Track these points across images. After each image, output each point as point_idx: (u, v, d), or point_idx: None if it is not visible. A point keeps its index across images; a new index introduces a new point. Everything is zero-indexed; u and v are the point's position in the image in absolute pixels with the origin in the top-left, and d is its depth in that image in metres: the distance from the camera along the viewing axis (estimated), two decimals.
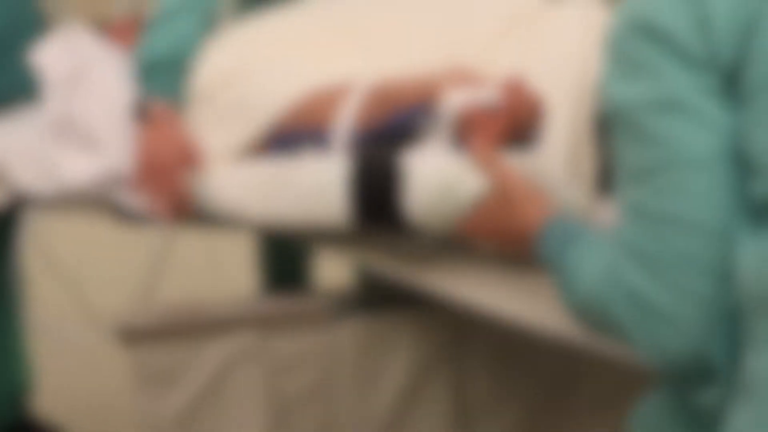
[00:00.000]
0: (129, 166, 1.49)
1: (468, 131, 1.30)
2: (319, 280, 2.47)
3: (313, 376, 1.58)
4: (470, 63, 1.47)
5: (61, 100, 1.58)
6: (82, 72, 1.60)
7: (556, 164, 1.28)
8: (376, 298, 1.61)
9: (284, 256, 2.36)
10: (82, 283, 2.13)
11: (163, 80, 1.57)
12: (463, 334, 1.58)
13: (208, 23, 1.64)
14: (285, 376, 1.57)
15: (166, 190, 1.47)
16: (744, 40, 0.95)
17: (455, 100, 1.32)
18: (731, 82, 0.96)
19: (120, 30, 1.74)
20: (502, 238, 1.25)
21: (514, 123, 1.30)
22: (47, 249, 1.61)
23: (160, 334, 1.56)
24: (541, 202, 1.22)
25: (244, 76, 1.54)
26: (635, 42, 1.00)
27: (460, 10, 1.57)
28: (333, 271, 2.45)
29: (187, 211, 1.48)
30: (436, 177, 1.29)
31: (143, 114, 1.54)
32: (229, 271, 2.72)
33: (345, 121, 1.40)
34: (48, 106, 1.59)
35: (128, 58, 1.64)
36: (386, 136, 1.37)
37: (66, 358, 2.41)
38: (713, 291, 0.96)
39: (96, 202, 1.55)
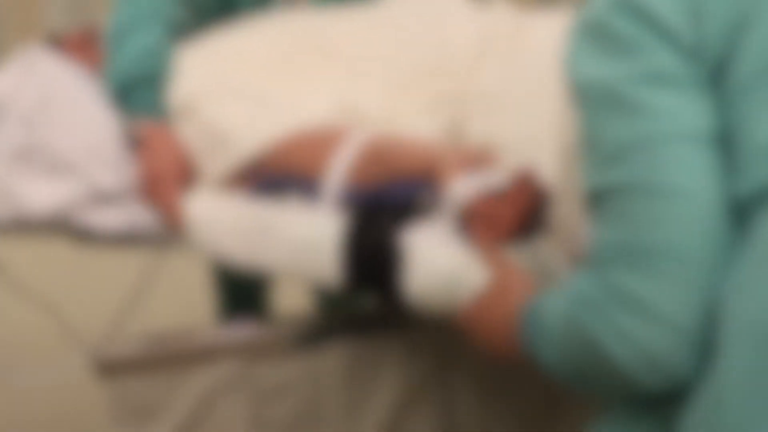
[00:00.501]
0: (111, 185, 1.44)
1: (475, 221, 1.26)
2: (276, 304, 2.42)
3: (299, 403, 1.54)
4: (451, 82, 1.45)
5: (25, 126, 1.51)
6: (47, 96, 1.53)
7: (561, 252, 1.27)
8: (360, 322, 1.57)
9: (243, 279, 2.31)
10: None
11: (142, 98, 1.52)
12: (451, 358, 1.56)
13: (172, 33, 1.60)
14: (271, 404, 1.53)
15: (171, 204, 1.43)
16: (734, 34, 0.94)
17: (464, 189, 1.27)
18: (717, 76, 0.95)
19: (74, 45, 1.68)
20: (496, 333, 1.21)
21: (522, 216, 1.26)
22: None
23: (139, 365, 1.50)
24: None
25: (221, 95, 1.50)
26: (623, 21, 0.98)
27: (435, 27, 1.54)
28: (290, 294, 2.44)
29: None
30: (439, 265, 1.25)
31: (135, 138, 1.49)
32: (181, 296, 2.66)
33: (338, 173, 1.36)
34: (9, 133, 1.51)
35: (92, 76, 1.58)
36: (382, 202, 1.33)
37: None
38: (708, 275, 0.94)
39: (56, 225, 1.48)
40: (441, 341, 1.52)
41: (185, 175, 1.46)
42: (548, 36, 1.43)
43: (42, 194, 1.46)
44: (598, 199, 1.02)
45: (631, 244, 0.96)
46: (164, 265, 1.60)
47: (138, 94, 1.52)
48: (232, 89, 1.50)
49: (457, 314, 1.24)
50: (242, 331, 1.55)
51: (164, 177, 1.45)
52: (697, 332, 0.93)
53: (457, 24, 1.54)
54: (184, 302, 2.67)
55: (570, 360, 1.05)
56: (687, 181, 0.94)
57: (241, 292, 2.33)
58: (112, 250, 1.53)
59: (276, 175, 1.41)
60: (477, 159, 1.33)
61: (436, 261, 1.25)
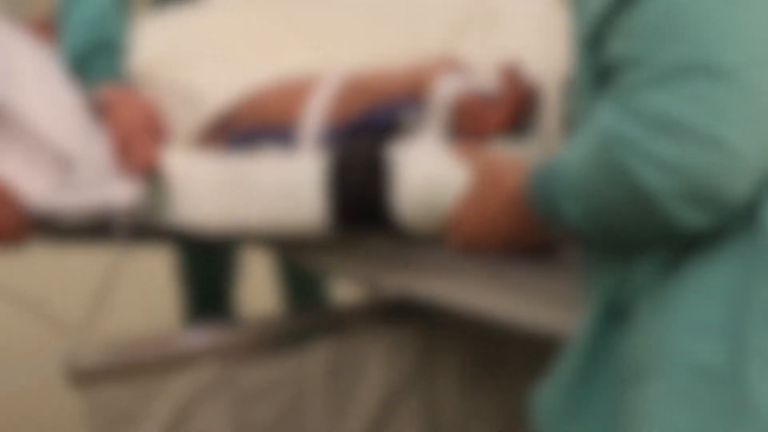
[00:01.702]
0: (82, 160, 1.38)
1: (464, 121, 1.21)
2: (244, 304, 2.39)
3: (281, 405, 1.51)
4: (431, 54, 1.39)
5: None
6: (14, 66, 1.45)
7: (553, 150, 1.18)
8: (344, 320, 1.55)
9: (208, 279, 2.27)
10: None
11: (99, 65, 1.47)
12: (433, 355, 1.55)
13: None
14: (252, 406, 1.50)
15: (149, 156, 1.36)
16: None
17: (449, 88, 1.21)
18: None
19: (39, 28, 1.62)
20: (494, 223, 1.11)
21: (513, 111, 1.22)
22: None
23: (115, 373, 1.46)
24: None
25: (186, 60, 1.45)
26: None
27: (410, 7, 1.49)
28: (256, 293, 2.40)
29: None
30: (427, 173, 1.17)
31: (100, 104, 1.43)
32: (146, 297, 2.61)
33: (314, 115, 1.28)
34: None
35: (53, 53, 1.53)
36: (366, 131, 1.25)
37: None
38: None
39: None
40: (423, 338, 1.50)
41: (159, 130, 1.40)
42: (527, 9, 1.41)
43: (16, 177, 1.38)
44: (621, 7, 0.90)
45: (657, 59, 0.87)
46: (128, 265, 1.53)
47: (94, 61, 1.47)
48: (197, 54, 1.46)
49: (447, 219, 1.15)
50: (218, 334, 1.52)
51: (137, 131, 1.38)
52: (744, 152, 0.85)
53: (433, 5, 1.48)
54: (148, 304, 2.62)
55: (600, 207, 0.94)
56: None
57: (207, 291, 2.28)
58: (78, 248, 1.48)
59: (249, 128, 1.35)
60: (458, 65, 1.28)
61: (424, 170, 1.18)
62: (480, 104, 1.21)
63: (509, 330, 1.23)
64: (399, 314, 1.55)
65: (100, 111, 1.43)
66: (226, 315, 2.27)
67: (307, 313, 1.60)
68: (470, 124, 1.21)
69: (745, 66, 0.84)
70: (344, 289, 2.21)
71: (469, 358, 1.45)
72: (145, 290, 2.61)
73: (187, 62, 1.44)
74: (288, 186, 1.25)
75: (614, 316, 0.98)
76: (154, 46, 1.48)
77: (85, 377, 1.45)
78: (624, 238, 0.96)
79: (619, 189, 0.90)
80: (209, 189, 1.31)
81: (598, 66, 0.95)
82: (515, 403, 1.58)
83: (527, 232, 1.08)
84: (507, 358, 1.56)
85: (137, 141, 1.37)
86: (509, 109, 1.22)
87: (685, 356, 0.88)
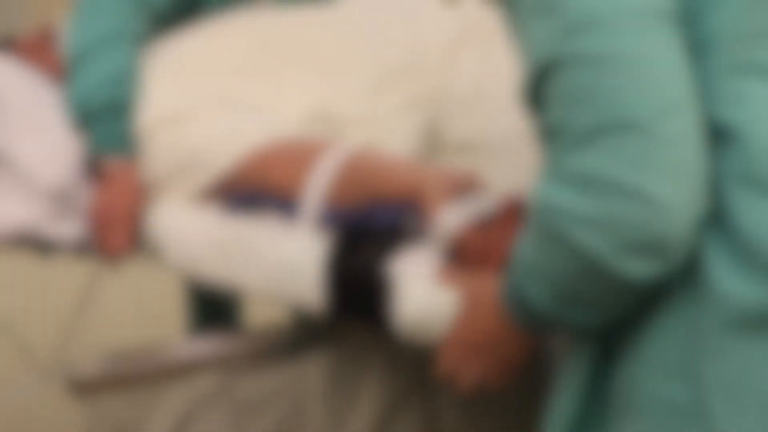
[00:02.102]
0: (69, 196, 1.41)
1: (465, 252, 1.19)
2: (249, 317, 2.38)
3: (282, 415, 1.51)
4: (426, 81, 1.41)
5: None
6: (4, 102, 1.47)
7: None
8: (338, 330, 1.55)
9: (212, 294, 2.26)
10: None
11: (107, 128, 1.44)
12: (433, 363, 1.54)
13: (137, 50, 1.53)
14: (252, 417, 1.50)
15: (111, 248, 1.41)
16: None
17: (453, 218, 1.19)
18: None
19: (29, 48, 1.59)
20: (485, 347, 1.11)
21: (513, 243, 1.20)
22: None
23: (116, 383, 1.46)
24: None
25: (189, 114, 1.42)
26: None
27: (406, 25, 1.49)
28: (262, 303, 2.39)
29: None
30: (426, 297, 1.17)
31: (97, 170, 1.44)
32: (152, 308, 2.61)
33: (316, 192, 1.28)
34: None
35: (50, 81, 1.51)
36: (364, 225, 1.26)
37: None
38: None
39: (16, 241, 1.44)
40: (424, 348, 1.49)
41: (134, 219, 1.42)
42: None
43: (6, 210, 1.42)
44: (545, 78, 0.92)
45: (575, 123, 0.88)
46: (123, 276, 1.54)
47: (103, 123, 1.44)
48: (201, 100, 1.43)
49: (440, 346, 1.16)
50: (218, 343, 1.52)
51: (114, 220, 1.41)
52: (668, 200, 0.85)
53: (429, 22, 1.50)
54: (153, 312, 2.62)
55: (558, 282, 0.93)
56: (646, 48, 0.88)
57: (213, 301, 2.28)
58: (68, 262, 1.49)
59: (250, 191, 1.35)
60: (462, 183, 1.25)
61: (424, 293, 1.18)
62: (482, 239, 1.19)
63: None
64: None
65: (96, 175, 1.44)
66: (232, 324, 2.25)
67: (307, 322, 1.59)
68: (470, 252, 1.19)
69: (656, 117, 0.86)
70: None
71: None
72: (149, 298, 2.61)
73: (190, 112, 1.41)
74: (287, 262, 1.26)
75: (604, 353, 0.98)
76: (159, 92, 1.46)
77: (86, 387, 1.45)
78: (598, 317, 0.95)
79: (563, 257, 0.91)
80: (206, 244, 1.33)
81: (541, 127, 0.96)
82: (515, 414, 1.58)
83: (514, 358, 1.09)
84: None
85: (111, 230, 1.41)
86: (511, 243, 1.16)
87: (656, 395, 0.90)
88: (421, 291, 1.18)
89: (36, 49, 1.58)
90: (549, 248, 0.92)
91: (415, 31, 1.47)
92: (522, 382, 1.19)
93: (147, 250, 1.42)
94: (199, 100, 1.43)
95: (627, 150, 0.85)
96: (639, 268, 0.87)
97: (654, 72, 0.87)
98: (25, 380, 2.05)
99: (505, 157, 1.36)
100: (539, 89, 0.93)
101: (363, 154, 1.32)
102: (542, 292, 0.95)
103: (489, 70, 1.39)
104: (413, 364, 1.53)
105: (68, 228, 1.43)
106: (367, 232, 1.25)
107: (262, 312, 2.31)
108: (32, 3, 4.65)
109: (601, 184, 0.86)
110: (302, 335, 1.53)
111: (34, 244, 1.43)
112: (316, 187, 1.28)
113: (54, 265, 1.52)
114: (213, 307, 2.25)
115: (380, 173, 1.29)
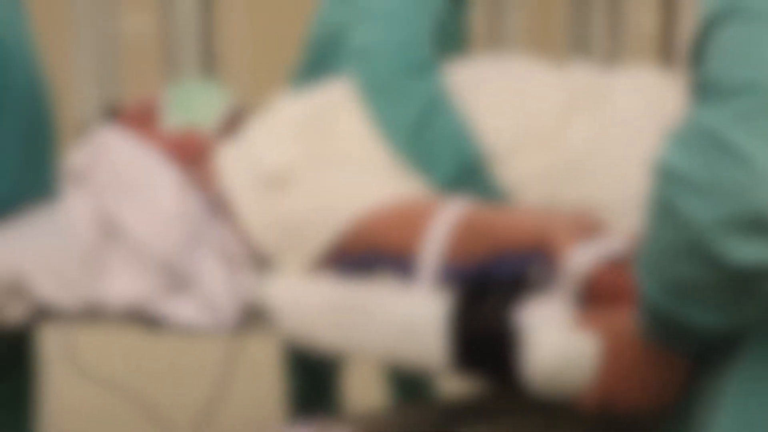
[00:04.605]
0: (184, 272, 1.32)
1: (597, 293, 1.14)
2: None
3: None
4: (541, 134, 1.38)
5: (100, 208, 1.40)
6: (121, 178, 1.44)
7: None
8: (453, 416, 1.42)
9: (314, 370, 2.17)
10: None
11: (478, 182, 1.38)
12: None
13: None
14: None
15: None
16: None
17: (583, 260, 1.15)
18: None
19: (133, 117, 1.58)
20: (638, 383, 1.07)
21: None
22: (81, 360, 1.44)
23: None
24: None
25: (296, 174, 1.38)
26: None
27: (518, 93, 1.44)
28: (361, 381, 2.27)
29: None
30: (560, 346, 1.12)
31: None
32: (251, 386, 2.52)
33: (433, 249, 1.24)
34: (84, 214, 1.40)
35: (157, 153, 1.47)
36: (487, 278, 1.21)
37: None
38: None
39: (131, 315, 1.37)
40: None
41: None
42: (634, 93, 1.39)
43: (119, 285, 1.37)
44: (709, 31, 0.89)
45: (725, 75, 0.85)
46: (240, 352, 1.47)
47: (474, 179, 1.37)
48: (306, 159, 1.40)
49: (584, 395, 1.11)
50: (323, 429, 1.41)
51: None
52: None
53: (540, 89, 1.44)
54: (253, 392, 2.54)
55: (666, 270, 0.89)
56: None
57: (313, 382, 2.19)
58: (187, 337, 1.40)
59: (364, 253, 1.31)
60: (587, 226, 1.23)
61: (560, 339, 1.13)
62: (613, 278, 1.15)
63: None
64: (510, 409, 1.45)
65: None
66: (332, 407, 2.20)
67: (415, 407, 1.47)
68: (602, 293, 1.15)
69: None
70: (453, 383, 2.11)
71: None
72: (250, 378, 2.53)
73: (296, 178, 1.38)
74: (407, 321, 1.22)
75: None
76: (261, 156, 1.43)
77: None
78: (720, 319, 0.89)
79: (669, 230, 0.86)
80: (322, 310, 1.29)
81: (694, 87, 0.92)
82: None
83: (667, 383, 1.05)
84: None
85: None
86: None
87: None
88: (557, 337, 1.13)
89: (140, 120, 1.57)
90: (658, 221, 0.88)
91: (527, 100, 1.43)
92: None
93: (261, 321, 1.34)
94: (305, 159, 1.40)
95: (751, 113, 0.81)
96: (742, 249, 0.81)
97: None
98: None
99: (620, 221, 1.31)
100: (703, 43, 0.89)
101: (479, 207, 1.29)
102: (652, 282, 0.92)
103: (602, 135, 1.36)
104: None
105: (184, 306, 1.36)
106: (490, 283, 1.20)
107: (362, 395, 2.21)
108: (131, 73, 4.75)
109: (717, 143, 0.81)
110: (410, 421, 1.41)
111: (149, 319, 1.38)
112: (434, 243, 1.25)
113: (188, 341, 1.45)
114: (314, 382, 2.19)
115: (501, 224, 1.26)
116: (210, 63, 5.49)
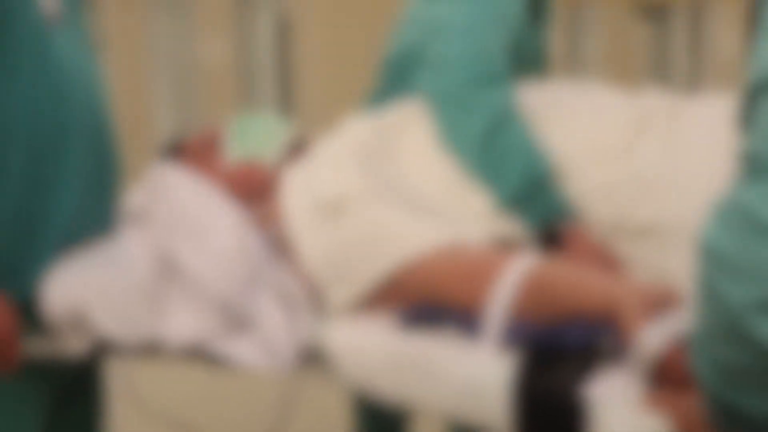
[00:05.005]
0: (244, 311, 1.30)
1: (667, 373, 1.09)
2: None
3: None
4: (609, 151, 1.35)
5: (159, 246, 1.38)
6: (181, 213, 1.42)
7: None
8: None
9: (382, 413, 2.13)
10: None
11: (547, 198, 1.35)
12: None
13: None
14: None
15: None
16: None
17: (654, 339, 1.10)
18: None
19: (196, 151, 1.55)
20: None
21: None
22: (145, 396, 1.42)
23: None
24: None
25: (354, 202, 1.34)
26: None
27: (592, 104, 1.43)
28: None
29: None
30: (632, 423, 1.07)
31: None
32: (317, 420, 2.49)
33: (500, 307, 1.20)
34: (143, 252, 1.39)
35: (216, 187, 1.45)
36: (554, 343, 1.16)
37: None
38: None
39: (191, 353, 1.35)
40: None
41: None
42: (706, 119, 1.35)
43: (178, 323, 1.35)
44: (756, 98, 0.84)
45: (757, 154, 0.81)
46: (302, 390, 1.43)
47: (541, 192, 1.34)
48: (366, 187, 1.35)
49: None
50: None
51: None
52: None
53: (609, 110, 1.42)
54: (316, 428, 2.50)
55: (714, 354, 0.85)
56: None
57: (384, 422, 2.14)
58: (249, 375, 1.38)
59: (426, 304, 1.27)
60: (660, 300, 1.16)
61: (628, 420, 1.07)
62: (683, 356, 1.07)
63: None
64: None
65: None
66: None
67: None
68: (672, 374, 1.08)
69: None
70: None
71: None
72: (311, 418, 2.50)
73: (354, 207, 1.34)
74: (471, 381, 1.18)
75: None
76: (318, 183, 1.40)
77: None
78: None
79: (713, 312, 0.82)
80: (383, 360, 1.25)
81: (740, 156, 0.87)
82: None
83: None
84: None
85: None
86: None
87: None
88: (625, 417, 1.08)
89: (202, 153, 1.55)
90: (703, 302, 0.84)
91: (597, 118, 1.40)
92: None
93: (320, 364, 1.31)
94: (362, 187, 1.35)
95: None
96: None
97: None
98: None
99: (688, 242, 1.23)
100: (749, 110, 0.85)
101: (548, 267, 1.24)
102: (705, 367, 0.87)
103: (670, 155, 1.33)
104: None
105: (245, 346, 1.33)
106: (558, 350, 1.15)
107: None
108: (208, 101, 4.79)
109: (754, 223, 0.78)
110: None
111: (208, 357, 1.36)
112: (500, 301, 1.20)
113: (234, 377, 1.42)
114: (383, 425, 2.12)
115: (570, 287, 1.20)
116: (286, 91, 5.52)
